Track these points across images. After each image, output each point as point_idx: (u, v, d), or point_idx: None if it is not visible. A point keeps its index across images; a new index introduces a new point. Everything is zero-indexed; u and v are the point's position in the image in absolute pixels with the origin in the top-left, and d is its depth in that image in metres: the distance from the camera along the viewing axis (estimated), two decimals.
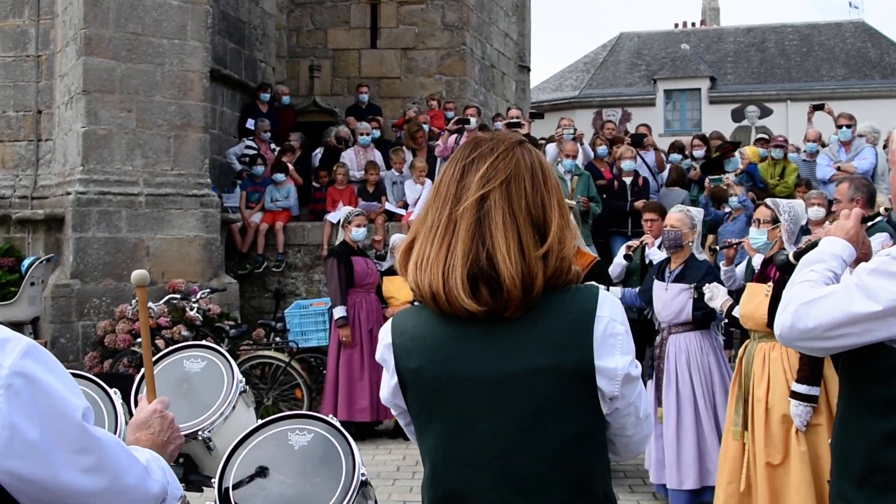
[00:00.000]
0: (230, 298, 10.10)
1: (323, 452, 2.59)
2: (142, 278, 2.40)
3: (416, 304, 1.91)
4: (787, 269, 4.14)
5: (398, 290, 8.31)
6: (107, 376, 7.81)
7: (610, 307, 1.80)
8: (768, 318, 4.41)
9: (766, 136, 12.75)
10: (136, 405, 2.97)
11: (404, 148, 11.69)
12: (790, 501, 4.59)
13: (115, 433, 2.50)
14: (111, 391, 2.62)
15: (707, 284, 5.59)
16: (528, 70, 19.51)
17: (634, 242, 7.69)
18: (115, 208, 9.58)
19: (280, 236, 11.01)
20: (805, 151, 10.93)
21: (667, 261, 6.17)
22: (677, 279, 5.91)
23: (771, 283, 4.72)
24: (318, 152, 12.48)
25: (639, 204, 9.33)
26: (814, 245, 2.70)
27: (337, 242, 8.50)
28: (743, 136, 24.86)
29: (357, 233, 8.26)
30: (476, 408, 1.77)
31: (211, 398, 2.99)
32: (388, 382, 1.89)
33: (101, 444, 1.51)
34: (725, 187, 9.69)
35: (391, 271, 8.43)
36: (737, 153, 10.92)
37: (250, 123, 12.40)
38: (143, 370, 3.12)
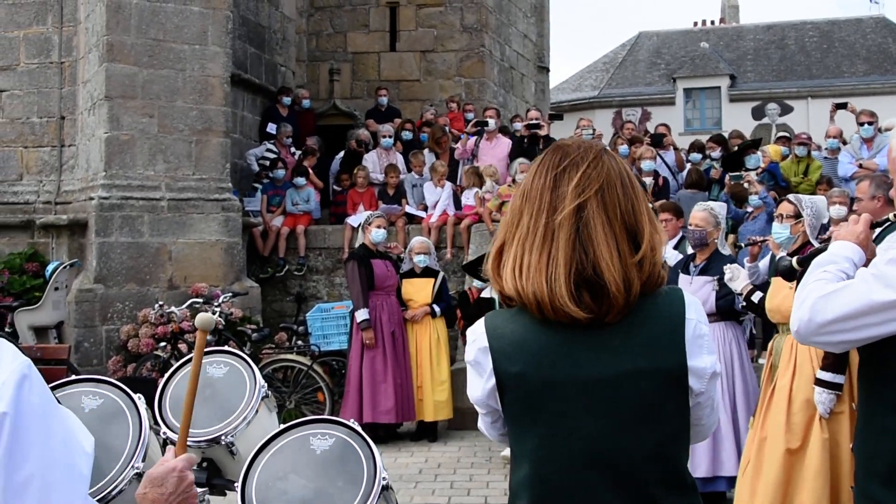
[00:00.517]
0: (252, 302, 10.16)
1: (345, 456, 2.60)
2: (206, 323, 2.29)
3: (503, 307, 1.93)
4: (789, 275, 4.15)
5: (417, 292, 8.33)
6: (130, 381, 7.91)
7: (696, 309, 1.88)
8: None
9: (787, 135, 12.64)
10: (159, 411, 3.02)
11: (425, 151, 11.70)
12: (806, 487, 4.56)
13: (138, 440, 2.53)
14: (135, 396, 2.64)
15: (728, 265, 5.66)
16: (547, 71, 19.48)
17: None
18: (137, 213, 9.67)
19: (301, 240, 11.04)
20: (826, 149, 10.83)
21: (692, 255, 6.30)
22: (702, 272, 6.06)
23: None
24: (339, 156, 12.50)
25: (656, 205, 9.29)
26: (818, 252, 2.70)
27: (356, 245, 8.53)
28: (763, 133, 24.69)
29: (376, 234, 8.28)
30: (581, 410, 1.82)
31: (234, 403, 3.03)
32: (483, 385, 1.91)
33: None
34: (746, 185, 9.62)
35: (410, 273, 8.45)
36: (758, 151, 10.84)
37: (271, 128, 12.43)
38: (166, 376, 3.16)
